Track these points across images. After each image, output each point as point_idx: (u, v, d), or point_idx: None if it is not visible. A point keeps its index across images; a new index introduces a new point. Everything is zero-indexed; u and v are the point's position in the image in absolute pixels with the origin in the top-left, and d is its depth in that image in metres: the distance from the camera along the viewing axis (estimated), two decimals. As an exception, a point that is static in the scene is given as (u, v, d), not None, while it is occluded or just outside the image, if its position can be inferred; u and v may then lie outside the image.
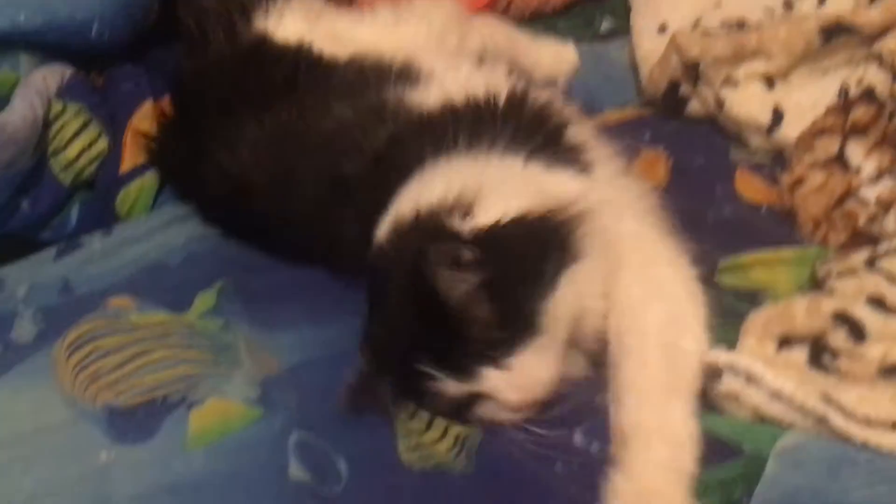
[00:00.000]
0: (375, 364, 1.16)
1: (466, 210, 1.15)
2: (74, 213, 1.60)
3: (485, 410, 1.13)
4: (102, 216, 1.60)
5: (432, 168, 1.23)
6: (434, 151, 1.25)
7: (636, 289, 1.20)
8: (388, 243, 1.19)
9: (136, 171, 1.59)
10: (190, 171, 1.52)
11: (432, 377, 1.11)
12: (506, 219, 1.14)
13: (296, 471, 1.15)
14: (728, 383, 1.11)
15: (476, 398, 1.13)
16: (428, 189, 1.20)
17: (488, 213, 1.15)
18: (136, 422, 1.25)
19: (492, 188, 1.18)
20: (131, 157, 1.59)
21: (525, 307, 1.11)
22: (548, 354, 1.12)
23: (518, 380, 1.11)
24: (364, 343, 1.18)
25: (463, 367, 1.11)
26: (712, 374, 1.12)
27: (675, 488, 1.06)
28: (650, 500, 1.06)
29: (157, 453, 1.21)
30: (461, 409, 1.14)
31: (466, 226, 1.14)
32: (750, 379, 1.10)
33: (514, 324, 1.11)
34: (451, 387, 1.11)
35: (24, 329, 1.41)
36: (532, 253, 1.13)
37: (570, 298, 1.13)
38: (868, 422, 1.07)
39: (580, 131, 1.36)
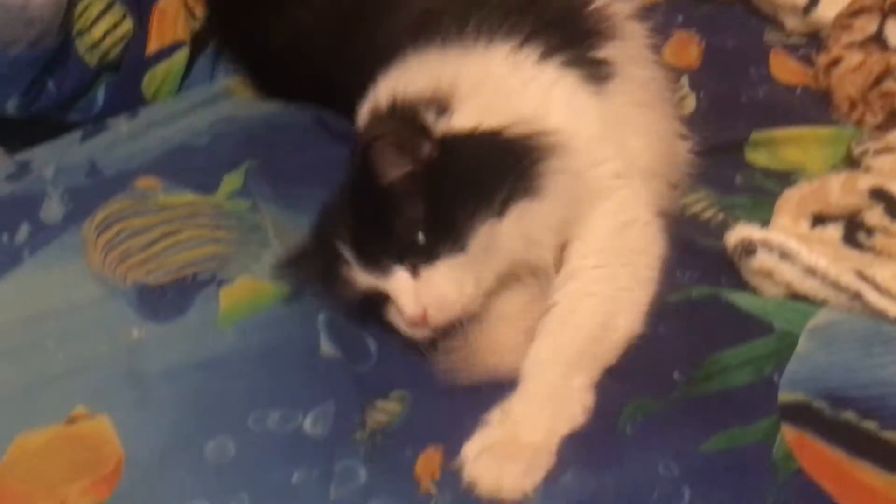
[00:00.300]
0: (313, 239, 1.17)
1: (444, 107, 1.13)
2: (100, 94, 1.60)
3: (392, 317, 1.12)
4: (128, 98, 1.59)
5: (425, 53, 1.20)
6: (436, 35, 1.21)
7: (590, 257, 1.14)
8: (362, 126, 1.18)
9: (163, 53, 1.58)
10: (253, 24, 1.51)
11: (347, 262, 1.10)
12: (479, 130, 1.10)
13: (326, 347, 1.16)
14: (762, 259, 1.11)
15: (384, 300, 1.10)
16: (414, 77, 1.17)
17: (466, 118, 1.12)
18: (166, 300, 1.25)
19: (481, 90, 1.15)
20: (158, 38, 1.58)
21: (459, 222, 1.07)
22: (464, 277, 1.08)
23: (423, 291, 1.07)
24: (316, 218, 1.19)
25: (376, 259, 1.09)
26: (746, 250, 1.12)
27: (545, 447, 1.02)
28: (517, 451, 1.01)
29: (187, 330, 1.22)
30: (368, 308, 1.13)
31: (438, 123, 1.11)
32: (784, 255, 1.10)
33: (440, 233, 1.07)
34: (361, 277, 1.10)
35: (53, 210, 1.41)
36: (489, 172, 1.09)
37: (513, 233, 1.09)
38: (903, 298, 1.07)
39: (610, 29, 1.28)
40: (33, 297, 1.29)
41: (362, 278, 1.10)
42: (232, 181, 1.41)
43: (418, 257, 1.07)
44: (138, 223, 1.35)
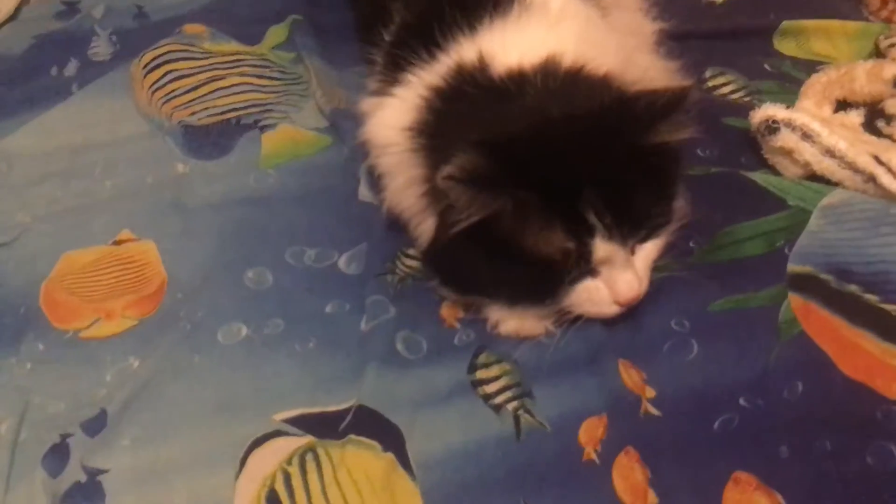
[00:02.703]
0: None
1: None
2: (149, -58, 1.62)
3: (580, 290, 1.02)
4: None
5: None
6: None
7: None
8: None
9: None
10: None
11: (580, 218, 0.96)
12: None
13: (365, 193, 1.21)
14: (784, 137, 1.15)
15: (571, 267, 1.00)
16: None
17: None
18: (210, 139, 1.31)
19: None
20: None
21: (669, 201, 1.03)
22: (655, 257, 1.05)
23: (640, 269, 1.03)
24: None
25: (627, 229, 0.99)
26: (770, 128, 1.16)
27: None
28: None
29: (231, 168, 1.28)
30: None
31: None
32: (805, 135, 1.14)
33: (661, 212, 1.02)
34: (601, 243, 0.98)
35: (102, 47, 1.47)
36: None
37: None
38: (915, 184, 1.12)
39: None
40: (81, 127, 1.35)
41: (602, 250, 0.97)
42: (277, 33, 1.45)
43: (642, 235, 1.01)
44: (184, 66, 1.40)
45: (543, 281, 1.00)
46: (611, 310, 1.02)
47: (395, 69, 1.12)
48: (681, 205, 1.06)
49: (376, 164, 1.13)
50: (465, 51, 1.07)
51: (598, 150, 0.96)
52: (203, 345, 1.08)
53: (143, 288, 1.14)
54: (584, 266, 0.99)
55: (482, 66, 1.05)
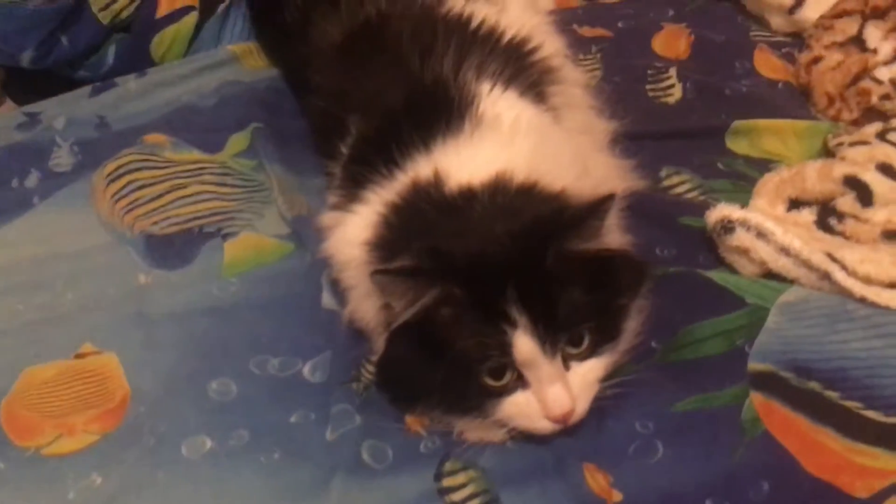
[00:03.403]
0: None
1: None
2: (111, 53, 1.64)
3: (512, 403, 1.03)
4: (137, 59, 1.64)
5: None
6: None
7: None
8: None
9: (173, 16, 1.63)
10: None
11: (508, 318, 0.98)
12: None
13: (328, 301, 1.22)
14: (740, 237, 1.17)
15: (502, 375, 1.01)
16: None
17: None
18: (173, 249, 1.31)
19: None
20: (168, 1, 1.62)
21: (617, 317, 1.06)
22: (602, 374, 1.05)
23: (575, 386, 1.02)
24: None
25: (550, 337, 0.99)
26: (726, 228, 1.18)
27: None
28: None
29: (193, 278, 1.28)
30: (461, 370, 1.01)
31: None
32: (760, 234, 1.16)
33: (602, 329, 1.04)
34: (522, 345, 0.98)
35: (63, 158, 1.47)
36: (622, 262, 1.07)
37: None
38: (868, 280, 1.14)
39: None
40: (43, 239, 1.34)
41: (524, 347, 0.98)
42: (238, 141, 1.47)
43: (578, 352, 1.02)
44: (146, 176, 1.41)
45: (478, 393, 1.01)
46: (543, 425, 1.02)
47: (353, 185, 1.15)
48: (633, 326, 1.07)
49: (340, 278, 1.15)
50: (421, 168, 1.10)
51: (525, 254, 0.98)
52: (167, 460, 1.06)
53: (106, 402, 1.13)
54: (511, 371, 0.99)
55: (437, 182, 1.08)
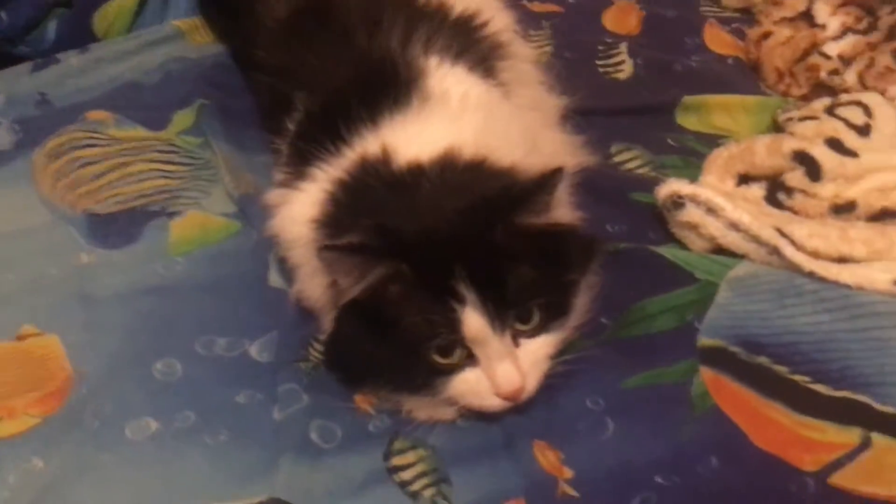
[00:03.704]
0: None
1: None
2: (52, 29, 1.60)
3: (461, 380, 1.02)
4: (79, 34, 1.60)
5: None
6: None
7: None
8: None
9: (115, -9, 1.59)
10: None
11: (455, 294, 0.97)
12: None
13: (275, 279, 1.20)
14: (690, 213, 1.18)
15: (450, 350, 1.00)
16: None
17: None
18: (116, 227, 1.29)
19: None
20: (111, -25, 1.59)
21: (567, 292, 1.05)
22: (552, 351, 1.04)
23: (525, 362, 1.02)
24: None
25: (500, 313, 0.98)
26: (675, 203, 1.18)
27: None
28: None
29: (138, 257, 1.25)
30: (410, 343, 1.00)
31: None
32: (710, 210, 1.17)
33: (552, 305, 1.03)
34: (472, 321, 0.97)
35: (3, 137, 1.43)
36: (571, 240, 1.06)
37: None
38: (816, 254, 1.14)
39: None
40: (-18, 219, 1.31)
41: (473, 324, 0.97)
42: (183, 118, 1.44)
43: (527, 328, 1.01)
44: (89, 153, 1.38)
45: (427, 371, 1.00)
46: (493, 402, 1.01)
47: (300, 162, 1.13)
48: (583, 302, 1.07)
49: (286, 256, 1.13)
50: (368, 144, 1.08)
51: (473, 230, 0.98)
52: (110, 442, 1.04)
53: (47, 384, 1.11)
54: (460, 349, 0.98)
55: (385, 159, 1.06)
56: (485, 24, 1.29)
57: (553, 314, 1.02)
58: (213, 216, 1.30)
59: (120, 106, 1.47)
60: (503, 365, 0.99)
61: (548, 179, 0.99)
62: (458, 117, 1.10)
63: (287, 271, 1.17)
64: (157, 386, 1.10)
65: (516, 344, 1.01)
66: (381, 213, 1.01)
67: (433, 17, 1.25)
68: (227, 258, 1.25)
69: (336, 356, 1.07)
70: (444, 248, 0.97)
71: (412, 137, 1.08)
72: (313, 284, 1.09)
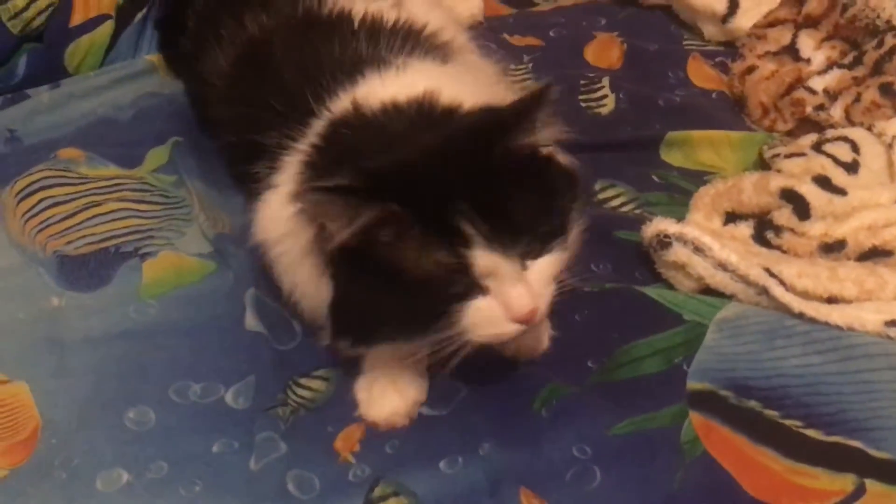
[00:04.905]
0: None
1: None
2: (22, 64, 1.56)
3: (472, 311, 0.98)
4: (50, 69, 1.56)
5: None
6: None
7: None
8: None
9: (87, 25, 1.56)
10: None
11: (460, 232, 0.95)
12: None
13: (252, 322, 1.17)
14: (677, 252, 1.15)
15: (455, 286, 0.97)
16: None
17: None
18: (87, 270, 1.25)
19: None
20: (82, 10, 1.55)
21: (564, 213, 1.02)
22: (556, 274, 1.01)
23: (534, 284, 0.99)
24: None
25: (509, 240, 0.96)
26: (662, 242, 1.16)
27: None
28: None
29: (109, 300, 1.22)
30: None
31: None
32: (697, 249, 1.14)
33: (554, 225, 1.01)
34: (480, 255, 0.94)
35: (-30, 175, 1.40)
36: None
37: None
38: (806, 294, 1.12)
39: None
40: (-51, 262, 1.27)
41: (482, 258, 0.93)
42: (157, 156, 1.41)
43: (532, 249, 0.98)
44: (60, 193, 1.35)
45: (435, 306, 0.96)
46: (508, 328, 0.96)
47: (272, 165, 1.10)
48: (579, 222, 1.03)
49: (273, 259, 1.09)
50: (337, 106, 1.07)
51: (467, 162, 0.94)
52: (79, 495, 1.01)
53: (15, 434, 1.07)
54: (467, 281, 0.94)
55: (356, 109, 1.04)
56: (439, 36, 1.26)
57: (553, 235, 0.98)
58: (187, 257, 1.27)
59: (92, 143, 1.43)
60: (515, 289, 0.95)
61: (540, 96, 0.97)
62: (430, 72, 1.11)
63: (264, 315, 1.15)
64: (129, 435, 1.07)
65: (523, 267, 0.97)
66: (364, 156, 0.97)
67: (375, 34, 1.21)
68: (202, 300, 1.22)
69: (342, 319, 1.01)
70: (441, 182, 0.94)
71: (387, 84, 1.07)
72: (303, 271, 1.04)
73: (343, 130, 1.04)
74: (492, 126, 0.96)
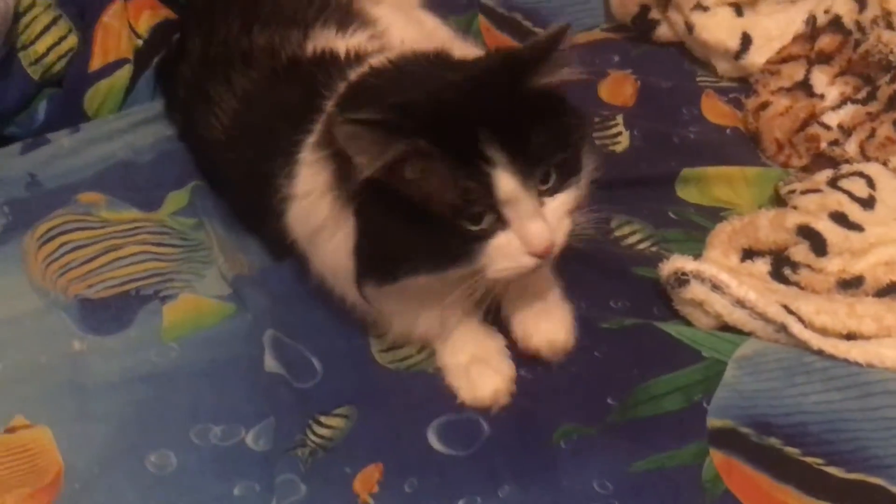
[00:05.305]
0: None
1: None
2: (42, 109, 1.57)
3: (492, 248, 1.04)
4: (70, 114, 1.57)
5: None
6: None
7: None
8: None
9: (106, 70, 1.57)
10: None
11: (485, 160, 1.00)
12: None
13: (270, 363, 1.17)
14: (694, 290, 1.15)
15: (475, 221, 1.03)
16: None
17: None
18: (109, 313, 1.26)
19: None
20: (101, 55, 1.57)
21: (578, 152, 1.09)
22: (570, 212, 1.08)
23: (551, 220, 1.06)
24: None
25: (531, 169, 1.02)
26: (679, 280, 1.16)
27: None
28: None
29: (130, 343, 1.22)
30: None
31: None
32: (715, 286, 1.15)
33: (568, 163, 1.08)
34: (505, 183, 0.99)
35: (-8, 221, 1.41)
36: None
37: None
38: (825, 331, 1.12)
39: None
40: (-27, 308, 1.28)
41: (505, 184, 0.99)
42: (177, 199, 1.42)
43: (548, 187, 1.04)
44: (80, 237, 1.35)
45: (459, 242, 1.02)
46: (527, 261, 1.03)
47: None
48: (588, 170, 1.09)
49: (311, 243, 1.15)
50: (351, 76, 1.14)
51: (488, 96, 1.01)
52: (104, 539, 1.01)
53: (38, 480, 1.08)
54: (490, 210, 1.00)
55: (374, 66, 1.13)
56: None
57: (568, 172, 1.05)
58: (206, 299, 1.28)
59: (112, 187, 1.44)
60: (534, 223, 1.01)
61: (558, 35, 1.03)
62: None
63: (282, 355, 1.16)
64: (150, 479, 1.07)
65: (541, 204, 1.03)
66: (391, 95, 1.04)
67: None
68: (221, 342, 1.22)
69: (366, 258, 1.06)
70: (466, 114, 1.00)
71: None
72: (336, 242, 1.08)
73: (366, 81, 1.11)
74: (513, 64, 1.02)
